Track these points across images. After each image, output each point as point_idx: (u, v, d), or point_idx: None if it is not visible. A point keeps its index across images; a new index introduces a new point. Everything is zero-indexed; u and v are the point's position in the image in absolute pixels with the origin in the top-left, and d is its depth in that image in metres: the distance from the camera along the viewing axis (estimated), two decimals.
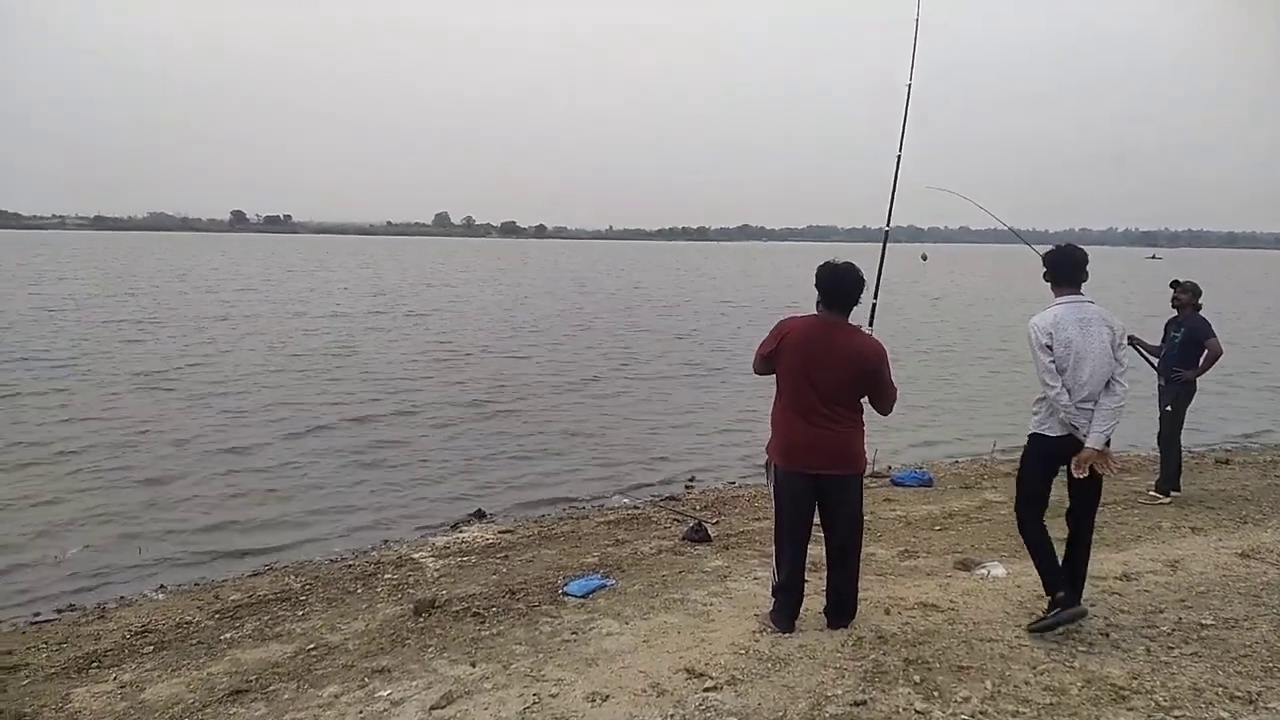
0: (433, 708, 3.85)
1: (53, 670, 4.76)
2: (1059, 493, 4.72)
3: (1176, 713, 3.67)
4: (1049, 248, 4.78)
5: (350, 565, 6.53)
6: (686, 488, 9.10)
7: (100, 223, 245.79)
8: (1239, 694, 3.83)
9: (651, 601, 5.13)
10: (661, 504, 8.15)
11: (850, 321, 4.36)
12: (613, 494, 8.89)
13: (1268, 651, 4.28)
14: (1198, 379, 7.52)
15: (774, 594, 4.62)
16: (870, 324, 5.24)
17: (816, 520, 4.51)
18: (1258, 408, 14.49)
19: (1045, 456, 4.54)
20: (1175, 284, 7.75)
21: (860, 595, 5.01)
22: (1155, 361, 7.67)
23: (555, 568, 6.04)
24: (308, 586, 5.96)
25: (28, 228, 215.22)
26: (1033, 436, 4.55)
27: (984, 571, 5.51)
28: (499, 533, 7.26)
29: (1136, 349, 7.63)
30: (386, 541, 7.38)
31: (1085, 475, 4.43)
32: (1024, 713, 3.64)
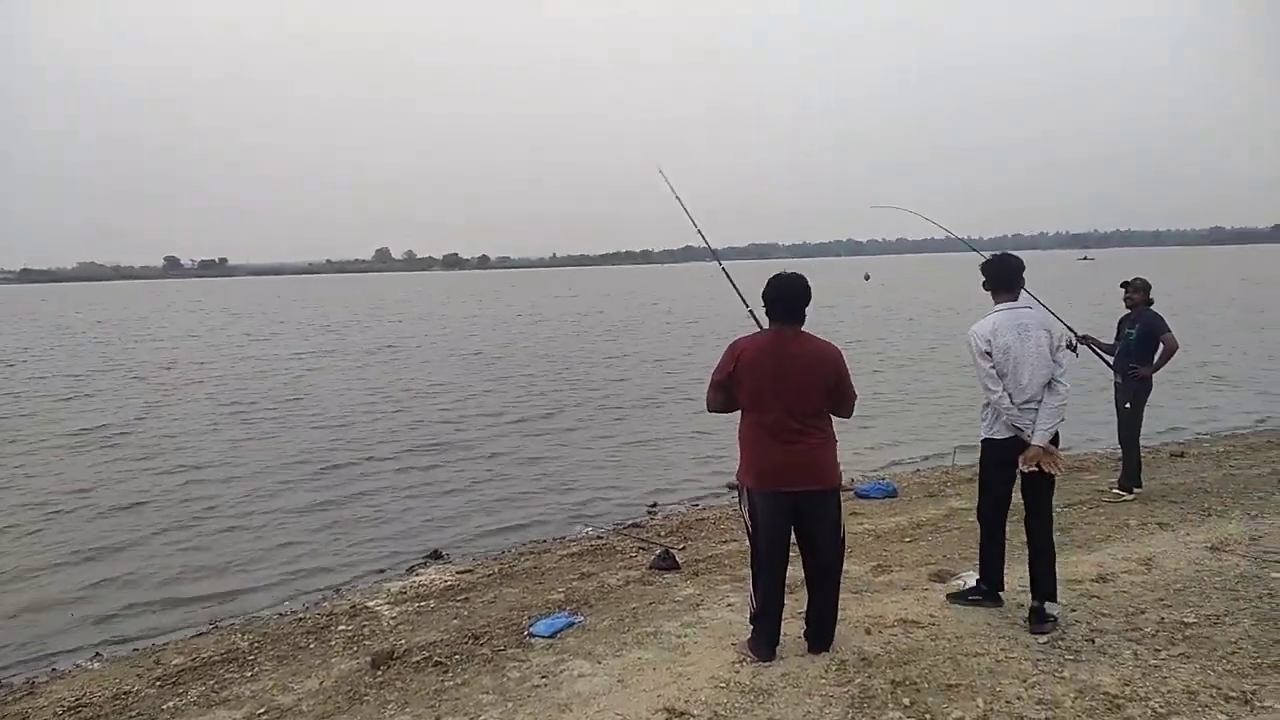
0: None
1: None
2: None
3: (1174, 719, 3.55)
4: (992, 254, 4.97)
5: (301, 618, 6.16)
6: (649, 513, 8.88)
7: (28, 275, 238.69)
8: (1233, 694, 3.74)
9: (623, 637, 4.89)
10: (625, 532, 7.91)
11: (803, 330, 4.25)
12: (574, 525, 8.63)
13: (1254, 647, 4.20)
14: (1153, 375, 7.52)
15: (752, 622, 4.43)
16: None
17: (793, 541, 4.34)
18: (1209, 400, 14.74)
19: (997, 458, 4.73)
20: (1125, 284, 7.78)
21: (839, 616, 4.86)
22: (1110, 359, 7.68)
23: (519, 607, 5.77)
24: (256, 644, 5.60)
25: None
26: (984, 441, 4.78)
27: (960, 582, 5.37)
28: (457, 573, 6.96)
29: (1091, 348, 7.65)
30: (338, 590, 7.02)
31: (1033, 470, 4.59)
32: None
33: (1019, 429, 4.56)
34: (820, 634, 4.44)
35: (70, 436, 13.75)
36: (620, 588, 6.02)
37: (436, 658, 4.88)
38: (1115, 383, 7.66)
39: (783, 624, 4.42)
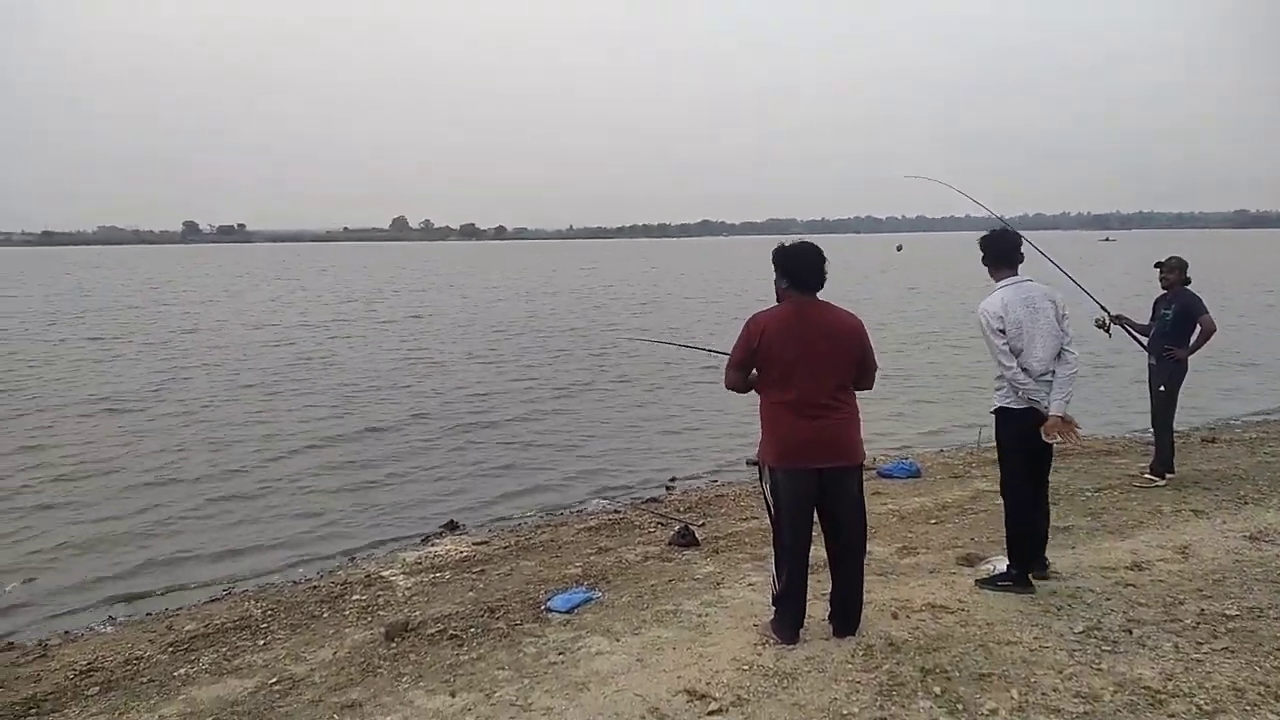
0: None
1: None
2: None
3: (1221, 717, 3.39)
4: (989, 230, 4.94)
5: (315, 586, 6.10)
6: (667, 488, 8.76)
7: (50, 238, 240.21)
8: None
9: (642, 614, 4.77)
10: (643, 506, 7.80)
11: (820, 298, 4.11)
12: (591, 498, 8.52)
13: None
14: (1189, 357, 7.29)
15: (775, 603, 4.30)
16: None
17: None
18: (1239, 384, 14.48)
19: (1014, 428, 4.72)
20: (1160, 264, 7.53)
21: (865, 599, 4.72)
22: (1144, 340, 7.47)
23: (536, 581, 5.67)
24: (269, 612, 5.53)
25: None
26: (1000, 410, 4.76)
27: (989, 566, 5.22)
28: (474, 545, 6.87)
29: (1125, 328, 7.45)
30: (354, 559, 6.96)
31: (1056, 441, 4.66)
32: None
33: (1036, 402, 4.57)
34: (846, 616, 4.31)
35: (94, 403, 13.64)
36: (639, 563, 5.90)
37: (451, 631, 4.78)
38: (1149, 364, 7.44)
39: (806, 606, 4.30)
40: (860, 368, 4.13)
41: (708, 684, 3.80)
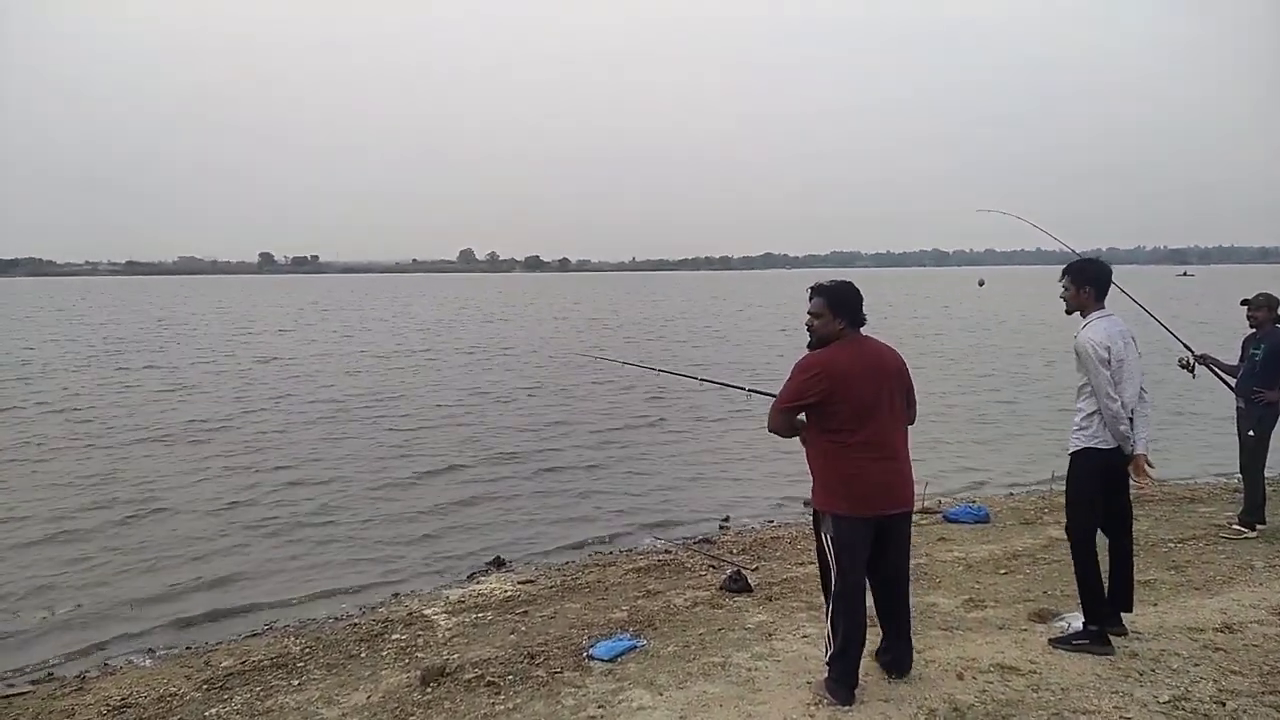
0: None
1: None
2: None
3: None
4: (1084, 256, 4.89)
5: (356, 624, 5.95)
6: (721, 528, 8.47)
7: (133, 267, 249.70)
8: None
9: (688, 666, 4.52)
10: (695, 547, 7.53)
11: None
12: (642, 536, 8.28)
13: None
14: None
15: (830, 662, 4.01)
16: None
17: None
18: None
19: (1099, 470, 4.49)
20: (1247, 301, 7.09)
21: (927, 655, 4.43)
22: (1232, 382, 7.01)
23: (580, 625, 5.44)
24: (307, 650, 5.40)
25: (60, 274, 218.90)
26: (1085, 452, 4.50)
27: (1063, 624, 4.86)
28: (519, 584, 6.68)
29: (1210, 369, 7.03)
30: (397, 595, 6.81)
31: (1145, 482, 4.60)
32: None
33: (1126, 438, 4.41)
34: (903, 660, 4.17)
35: (161, 433, 13.71)
36: (687, 609, 5.64)
37: (489, 677, 4.58)
38: (1237, 407, 6.98)
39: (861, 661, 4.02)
40: (909, 403, 4.06)
41: None
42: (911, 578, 5.79)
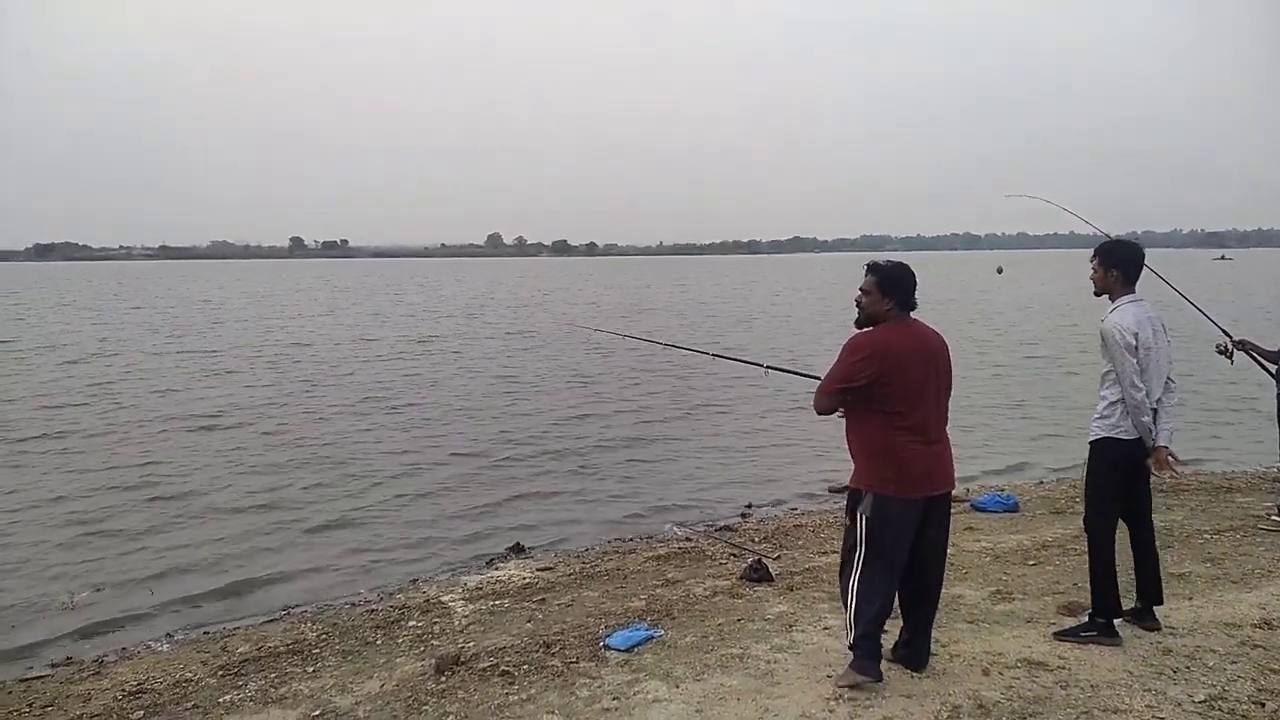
0: None
1: None
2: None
3: None
4: (1117, 237, 4.78)
5: (373, 610, 5.92)
6: (742, 516, 8.37)
7: (166, 252, 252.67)
8: None
9: (705, 658, 4.43)
10: (716, 535, 7.43)
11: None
12: (663, 523, 8.19)
13: None
14: None
15: (855, 645, 3.93)
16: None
17: None
18: None
19: (1120, 460, 4.36)
20: None
21: (952, 649, 4.32)
22: (1272, 369, 6.79)
23: (597, 613, 5.36)
24: (324, 636, 5.37)
25: (96, 259, 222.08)
26: (1105, 441, 4.37)
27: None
28: (537, 570, 6.62)
29: (1250, 354, 6.79)
30: (415, 581, 6.77)
31: (1165, 475, 4.44)
32: None
33: (1149, 429, 4.26)
34: (923, 653, 4.11)
35: (193, 419, 13.68)
36: (706, 599, 5.55)
37: (504, 666, 4.51)
38: (1278, 395, 6.76)
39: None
40: (950, 387, 4.02)
41: None
42: None
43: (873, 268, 3.94)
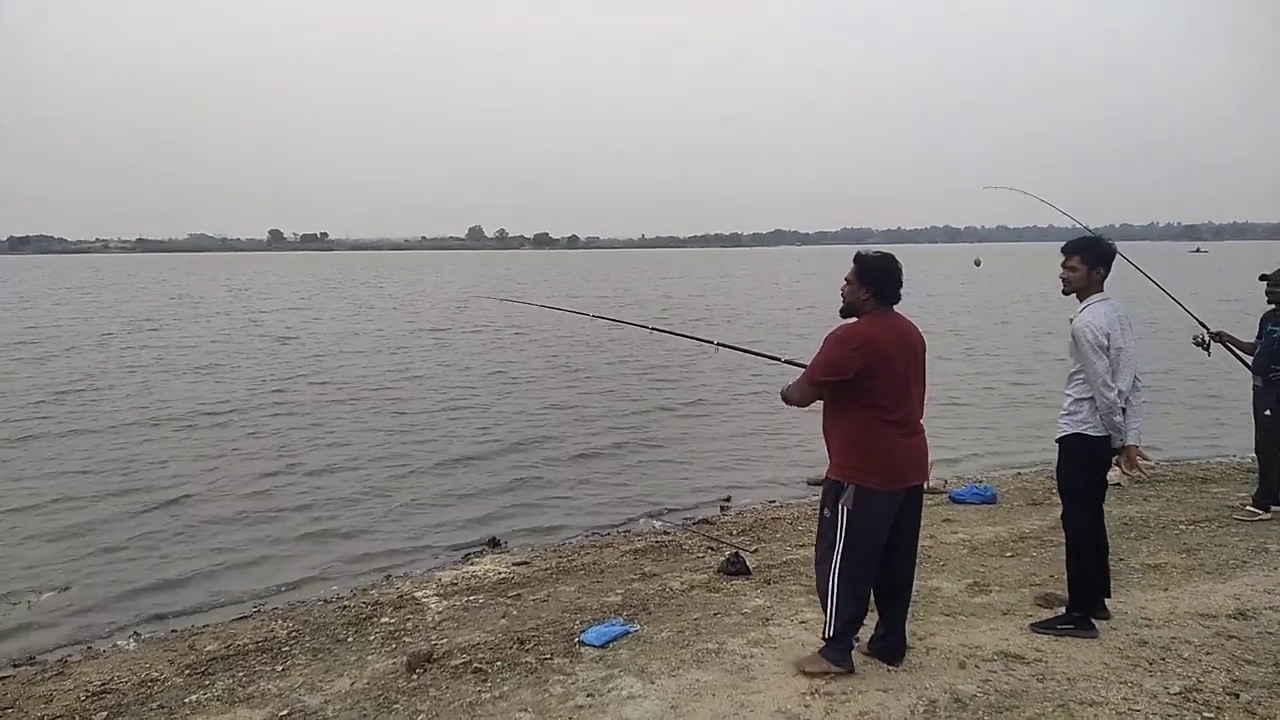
0: None
1: None
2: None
3: None
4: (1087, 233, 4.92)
5: (345, 606, 5.83)
6: (721, 508, 8.32)
7: (143, 245, 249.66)
8: None
9: (681, 653, 4.38)
10: (693, 527, 7.39)
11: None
12: (640, 516, 8.14)
13: None
14: None
15: (834, 638, 3.93)
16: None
17: None
18: None
19: (1090, 457, 4.35)
20: (1266, 277, 6.86)
21: (929, 641, 4.29)
22: (1249, 360, 6.81)
23: (572, 609, 5.30)
24: (294, 634, 5.27)
25: (72, 252, 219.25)
26: (1075, 437, 4.34)
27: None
28: (513, 565, 6.54)
29: (1227, 346, 6.84)
30: (389, 577, 6.68)
31: (1134, 474, 4.45)
32: None
33: (1118, 429, 4.22)
34: (898, 645, 4.09)
35: (167, 416, 13.35)
36: (683, 593, 5.50)
37: (477, 664, 4.45)
38: (1254, 386, 6.76)
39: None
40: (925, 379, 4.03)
41: None
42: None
43: (856, 258, 3.93)
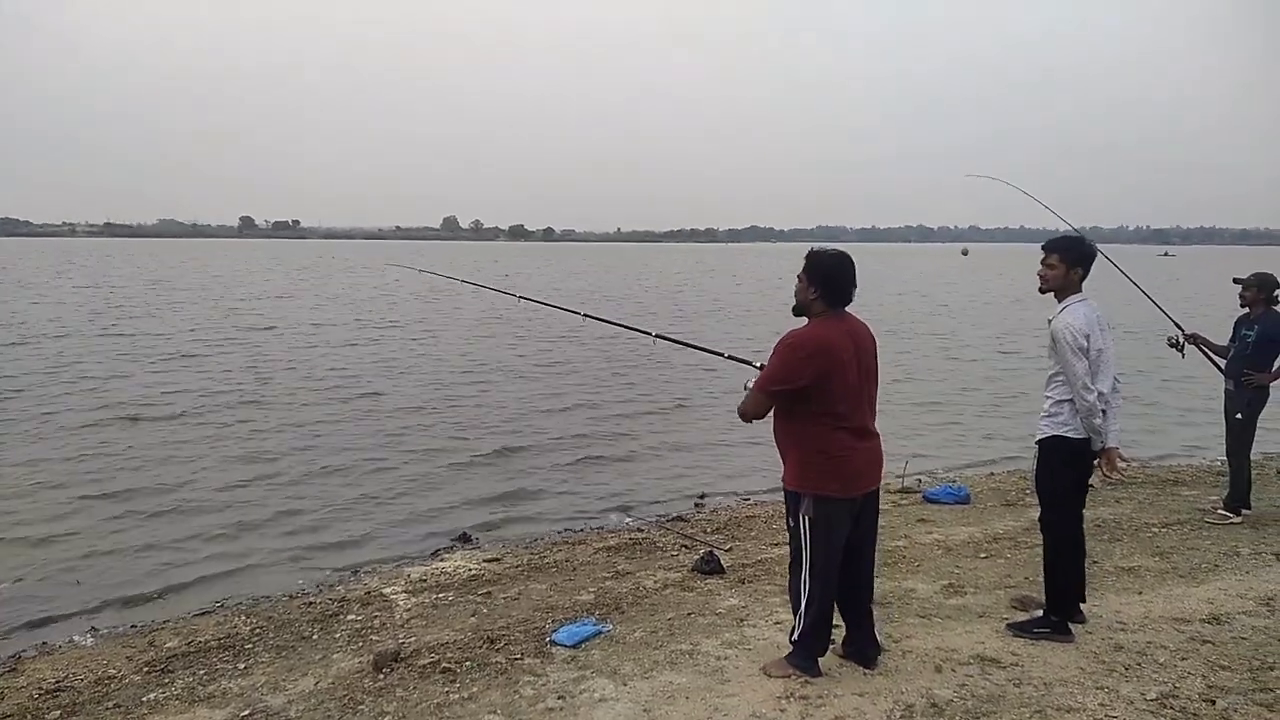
0: None
1: None
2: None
3: None
4: (1067, 232, 4.76)
5: (311, 603, 5.70)
6: (695, 506, 8.25)
7: (111, 229, 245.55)
8: None
9: (654, 654, 4.30)
10: (668, 525, 7.31)
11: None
12: (613, 513, 8.05)
13: None
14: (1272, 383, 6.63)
15: (800, 639, 3.90)
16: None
17: None
18: None
19: (1071, 459, 4.30)
20: (1240, 280, 6.88)
21: (904, 645, 4.25)
22: (1221, 363, 6.84)
23: (544, 607, 5.21)
24: (257, 630, 5.14)
25: (38, 235, 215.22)
26: (1055, 440, 4.29)
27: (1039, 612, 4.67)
28: (484, 561, 6.43)
29: (1200, 348, 6.87)
30: (356, 572, 6.54)
31: (1113, 476, 4.38)
32: None
33: (1097, 432, 4.18)
34: (867, 648, 4.05)
35: (121, 407, 13.03)
36: (657, 591, 5.43)
37: (445, 663, 4.35)
38: (1226, 390, 6.80)
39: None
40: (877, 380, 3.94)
41: None
42: (888, 561, 5.65)
43: (807, 255, 3.82)
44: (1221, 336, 6.93)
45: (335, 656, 4.66)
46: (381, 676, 4.27)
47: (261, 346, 20.00)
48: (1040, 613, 4.51)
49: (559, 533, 7.47)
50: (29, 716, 4.16)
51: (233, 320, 25.92)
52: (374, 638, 4.90)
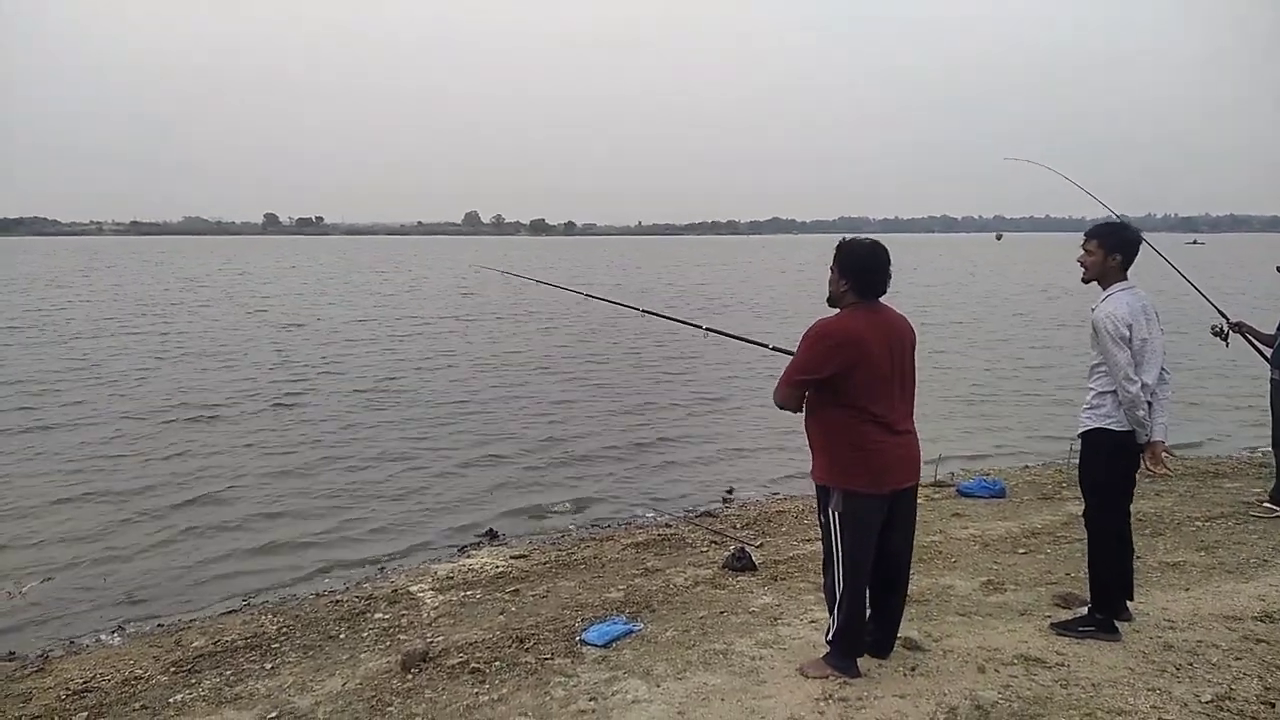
0: None
1: None
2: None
3: None
4: (1114, 218, 4.63)
5: (338, 601, 5.64)
6: (724, 500, 8.14)
7: (137, 227, 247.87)
8: None
9: (687, 654, 4.20)
10: (697, 521, 7.20)
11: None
12: (642, 508, 7.95)
13: None
14: None
15: (835, 639, 3.79)
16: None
17: None
18: None
19: (1115, 452, 4.14)
20: None
21: (945, 644, 4.13)
22: (1267, 353, 6.63)
23: (573, 605, 5.13)
24: (284, 630, 5.09)
25: (65, 234, 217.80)
26: (1099, 432, 4.15)
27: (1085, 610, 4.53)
28: (511, 558, 6.36)
29: (1245, 337, 6.67)
30: (383, 570, 6.49)
31: (1159, 471, 4.13)
32: None
33: (1142, 425, 4.02)
34: (886, 640, 3.98)
35: (172, 407, 13.06)
36: (688, 589, 5.32)
37: (474, 663, 4.27)
38: (1272, 379, 6.59)
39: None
40: (915, 376, 3.82)
41: None
42: (924, 557, 5.51)
43: (838, 245, 3.72)
44: (1259, 324, 6.74)
45: (363, 656, 4.59)
46: (410, 677, 4.20)
47: (286, 346, 20.04)
48: (1085, 610, 4.37)
49: (586, 528, 7.40)
50: (56, 717, 4.12)
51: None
52: (402, 637, 4.84)
